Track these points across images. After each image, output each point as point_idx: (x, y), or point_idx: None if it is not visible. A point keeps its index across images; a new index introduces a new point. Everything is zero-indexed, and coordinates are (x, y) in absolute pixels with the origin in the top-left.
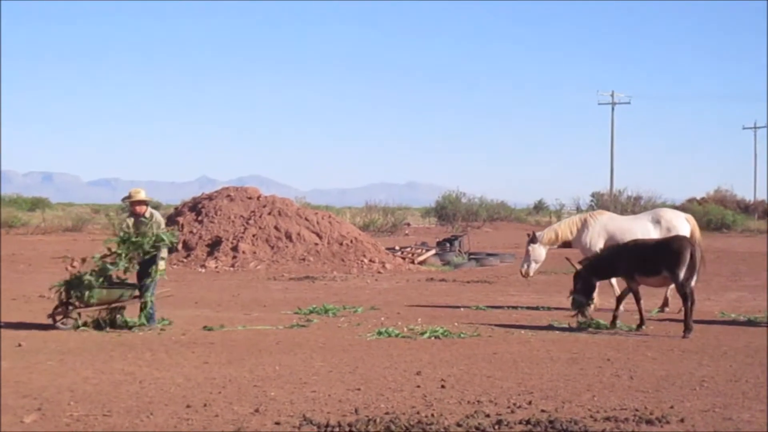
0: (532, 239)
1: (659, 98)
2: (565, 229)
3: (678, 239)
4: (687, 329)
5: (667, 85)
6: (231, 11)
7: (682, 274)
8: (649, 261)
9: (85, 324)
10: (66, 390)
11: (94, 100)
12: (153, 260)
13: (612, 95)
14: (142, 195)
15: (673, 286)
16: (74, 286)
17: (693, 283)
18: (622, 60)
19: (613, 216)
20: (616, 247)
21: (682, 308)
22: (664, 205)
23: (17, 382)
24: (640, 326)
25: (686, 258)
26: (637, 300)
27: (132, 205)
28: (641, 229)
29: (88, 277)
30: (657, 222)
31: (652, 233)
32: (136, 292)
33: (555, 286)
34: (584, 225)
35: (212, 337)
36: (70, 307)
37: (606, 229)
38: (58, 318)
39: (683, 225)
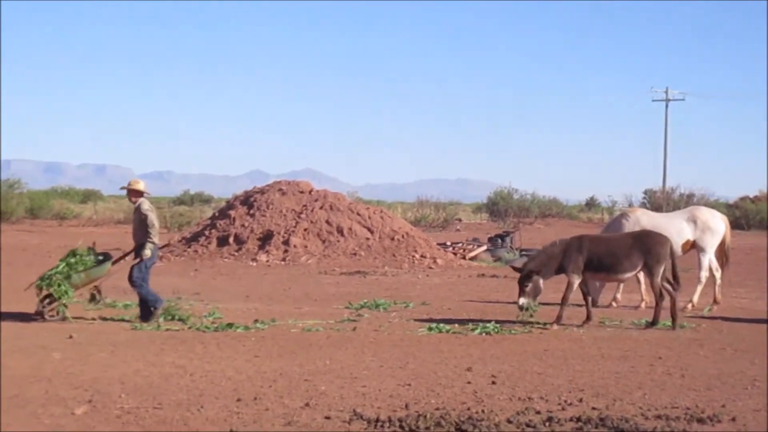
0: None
1: (713, 95)
2: None
3: (655, 235)
4: (654, 323)
5: (722, 82)
6: (283, 5)
7: (661, 271)
8: (624, 257)
9: (75, 317)
10: (117, 382)
11: (148, 93)
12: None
13: (666, 92)
14: (138, 186)
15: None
16: (48, 284)
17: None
18: (676, 57)
19: (648, 212)
20: (569, 242)
21: (649, 304)
22: (716, 203)
23: (69, 374)
24: (587, 321)
25: (666, 254)
26: (585, 294)
27: (128, 194)
28: (676, 227)
29: (57, 283)
30: (693, 221)
31: (687, 232)
32: (105, 271)
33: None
34: (618, 224)
35: (263, 330)
36: (53, 299)
37: (640, 225)
38: (46, 311)
39: (719, 225)
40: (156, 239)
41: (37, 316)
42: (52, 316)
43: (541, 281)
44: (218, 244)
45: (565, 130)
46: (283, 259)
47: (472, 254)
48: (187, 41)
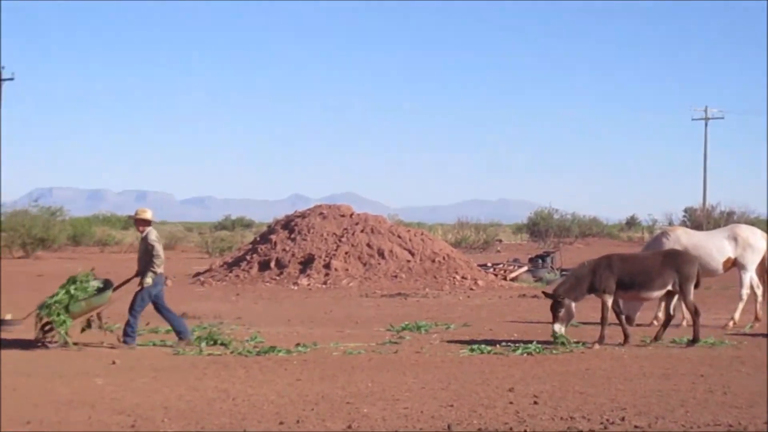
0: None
1: (752, 111)
2: None
3: (684, 254)
4: (694, 341)
5: (760, 97)
6: (319, 26)
7: (692, 289)
8: (655, 275)
9: (75, 343)
10: (160, 407)
11: (187, 119)
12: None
13: (705, 111)
14: (146, 215)
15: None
16: (48, 313)
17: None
18: (715, 75)
19: (688, 231)
20: (598, 262)
21: (689, 322)
22: (757, 220)
23: (112, 399)
24: (625, 341)
25: (695, 273)
26: (618, 314)
27: (135, 223)
28: (717, 245)
29: (56, 312)
30: (733, 239)
31: (727, 249)
32: (106, 299)
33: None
34: (659, 242)
35: (305, 354)
36: (52, 326)
37: (681, 243)
38: (46, 338)
39: (760, 242)
40: (159, 269)
41: (38, 343)
42: (53, 343)
43: (573, 305)
44: (260, 269)
45: (604, 149)
46: (325, 283)
47: (513, 275)
48: (225, 66)
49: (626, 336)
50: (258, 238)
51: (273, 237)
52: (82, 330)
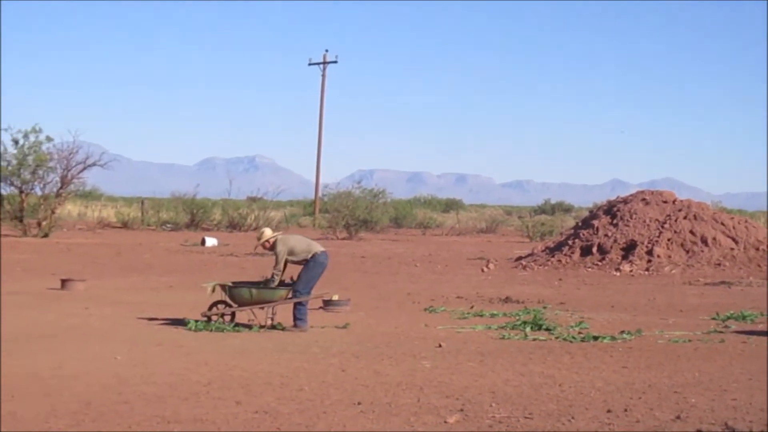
0: None
1: None
2: None
3: None
4: None
5: None
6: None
7: None
8: None
9: (237, 325)
10: (487, 391)
11: (506, 104)
12: (305, 266)
13: None
14: (264, 236)
15: None
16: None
17: None
18: None
19: None
20: None
21: None
22: None
23: (439, 383)
24: None
25: None
26: None
27: (264, 247)
28: None
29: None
30: None
31: None
32: (277, 296)
33: None
34: None
35: (630, 341)
36: (224, 306)
37: None
38: (213, 317)
39: None
40: (276, 276)
41: (205, 317)
42: (222, 322)
43: None
44: (581, 254)
45: None
46: (647, 269)
47: None
48: (547, 55)
49: None
50: (580, 223)
51: (595, 222)
52: (269, 326)
